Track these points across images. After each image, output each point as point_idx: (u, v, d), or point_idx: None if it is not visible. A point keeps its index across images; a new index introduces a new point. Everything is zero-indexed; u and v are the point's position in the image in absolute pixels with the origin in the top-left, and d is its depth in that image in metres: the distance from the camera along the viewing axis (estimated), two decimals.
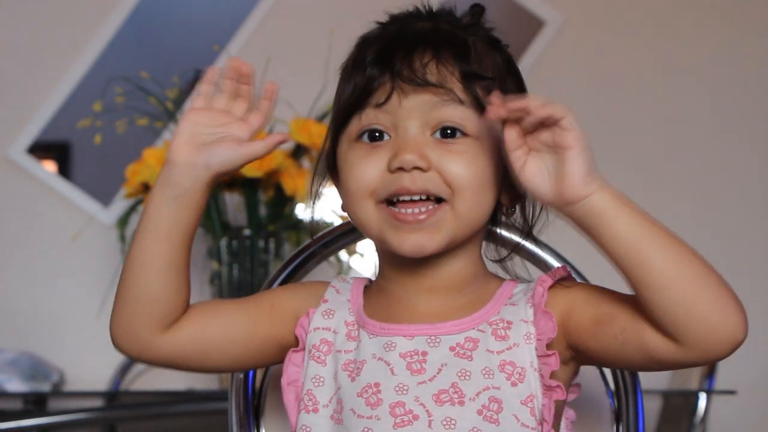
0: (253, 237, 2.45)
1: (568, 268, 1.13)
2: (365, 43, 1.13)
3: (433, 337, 1.07)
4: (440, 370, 1.05)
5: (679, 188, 3.12)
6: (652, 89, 3.15)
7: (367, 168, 1.08)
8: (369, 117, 1.09)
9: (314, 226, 1.26)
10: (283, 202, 2.49)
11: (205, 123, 1.09)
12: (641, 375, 1.29)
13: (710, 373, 2.41)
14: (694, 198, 3.12)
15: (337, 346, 1.10)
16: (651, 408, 2.64)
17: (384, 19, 1.15)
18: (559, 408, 1.08)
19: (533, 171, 1.01)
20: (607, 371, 1.29)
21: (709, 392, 2.40)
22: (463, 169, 1.06)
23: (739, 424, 2.99)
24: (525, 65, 3.08)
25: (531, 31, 3.13)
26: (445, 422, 1.03)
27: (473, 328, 1.07)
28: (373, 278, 1.18)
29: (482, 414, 1.03)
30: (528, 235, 1.17)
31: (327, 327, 1.11)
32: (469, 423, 1.03)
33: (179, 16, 3.15)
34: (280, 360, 1.14)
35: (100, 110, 2.62)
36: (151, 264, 1.08)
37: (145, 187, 2.46)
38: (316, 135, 2.42)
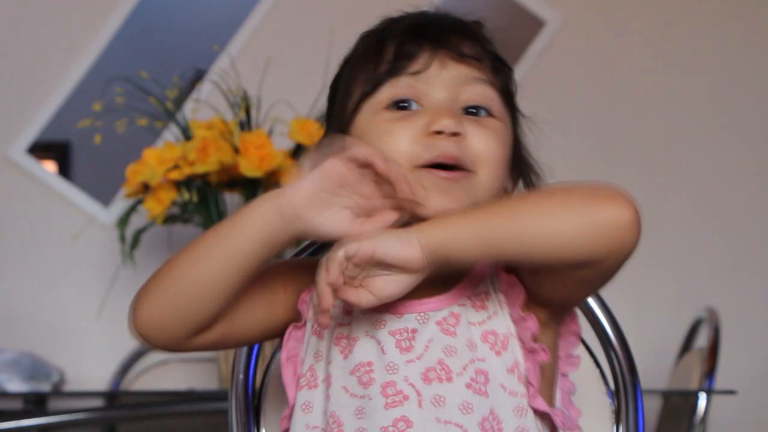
0: None
1: None
2: (380, 31, 1.14)
3: (422, 314, 1.07)
4: (427, 347, 1.05)
5: (679, 186, 3.13)
6: (652, 89, 3.15)
7: (403, 132, 1.08)
8: (404, 85, 1.10)
9: None
10: None
11: (335, 185, 1.03)
12: (641, 375, 1.29)
13: (710, 373, 2.41)
14: (695, 196, 3.12)
15: (334, 319, 1.10)
16: (651, 408, 2.64)
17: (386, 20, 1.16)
18: (549, 372, 1.09)
19: (383, 287, 1.01)
20: (607, 371, 1.29)
21: (709, 392, 2.40)
22: (492, 144, 1.09)
23: (739, 424, 2.99)
24: (525, 65, 3.08)
25: (531, 31, 3.13)
26: (434, 400, 1.04)
27: (455, 303, 1.08)
28: None
29: (471, 387, 1.04)
30: None
31: None
32: (459, 398, 1.04)
33: (179, 16, 3.15)
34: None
35: (100, 110, 2.62)
36: (221, 290, 1.05)
37: (145, 187, 2.46)
38: (316, 135, 2.42)
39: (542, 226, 0.99)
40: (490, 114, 1.10)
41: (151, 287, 1.08)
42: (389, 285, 1.01)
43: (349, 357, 1.07)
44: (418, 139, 1.07)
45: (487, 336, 1.06)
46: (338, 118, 1.14)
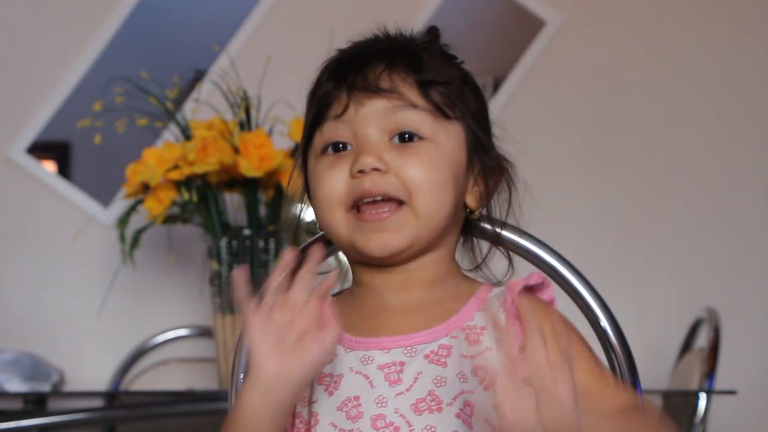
0: (253, 237, 2.45)
1: (544, 275, 1.15)
2: (325, 67, 1.18)
3: (409, 348, 1.09)
4: (416, 379, 1.07)
5: (678, 188, 3.12)
6: (652, 89, 3.15)
7: (333, 178, 1.12)
8: (330, 129, 1.13)
9: (297, 237, 1.28)
10: (283, 202, 2.48)
11: (276, 332, 1.03)
12: (641, 375, 1.29)
13: (710, 373, 2.41)
14: (694, 198, 3.12)
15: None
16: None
17: (379, 28, 1.19)
18: None
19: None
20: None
21: (709, 392, 2.39)
22: (419, 171, 1.10)
23: (739, 424, 2.99)
24: (525, 65, 3.08)
25: (531, 31, 3.13)
26: (425, 430, 1.05)
27: (446, 336, 1.09)
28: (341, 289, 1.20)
29: (460, 417, 1.05)
30: (497, 239, 1.20)
31: None
32: (448, 428, 1.05)
33: (179, 16, 3.15)
34: None
35: (100, 110, 2.62)
36: None
37: (145, 187, 2.46)
38: None
39: None
40: (420, 137, 1.12)
41: None
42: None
43: (335, 393, 1.09)
44: (345, 183, 1.11)
45: (478, 370, 1.07)
46: (303, 158, 1.18)
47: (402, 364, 1.08)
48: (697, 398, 2.40)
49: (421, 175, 1.10)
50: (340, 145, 1.13)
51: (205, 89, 2.78)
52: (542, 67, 3.09)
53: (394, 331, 1.10)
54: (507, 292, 1.11)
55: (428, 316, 1.11)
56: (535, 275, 1.14)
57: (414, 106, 1.11)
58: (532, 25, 3.13)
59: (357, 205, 1.11)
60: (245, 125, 2.47)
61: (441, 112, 1.12)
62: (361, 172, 1.10)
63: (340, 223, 1.12)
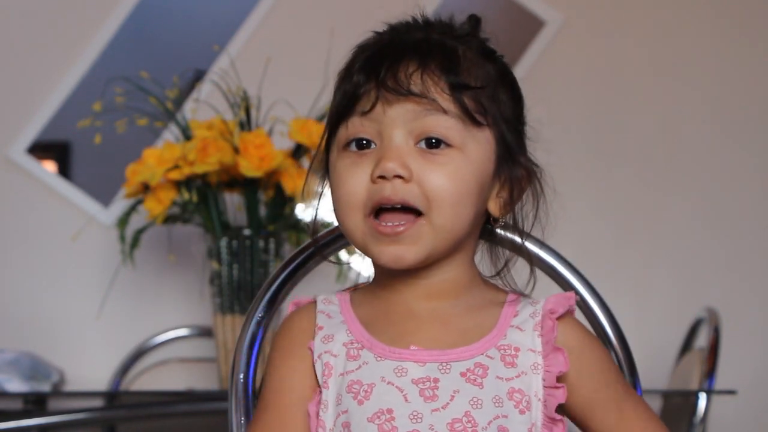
0: (253, 237, 2.45)
1: (576, 297, 1.14)
2: (358, 50, 1.14)
3: (444, 364, 1.07)
4: (453, 397, 1.05)
5: (679, 188, 3.12)
6: (652, 89, 3.15)
7: (354, 179, 1.09)
8: (355, 125, 1.10)
9: (316, 226, 1.26)
10: (283, 202, 2.48)
11: None
12: (641, 375, 1.29)
13: (710, 373, 2.41)
14: (694, 198, 3.12)
15: (339, 369, 1.10)
16: (651, 408, 2.64)
17: (381, 26, 1.16)
18: None
19: None
20: None
21: (709, 392, 2.39)
22: (442, 181, 1.07)
23: (739, 424, 2.99)
24: (525, 65, 3.08)
25: (531, 31, 3.13)
26: None
27: (482, 354, 1.08)
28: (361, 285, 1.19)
29: None
30: (520, 246, 1.18)
31: (327, 350, 1.11)
32: None
33: (179, 16, 3.15)
34: None
35: (100, 110, 2.62)
36: None
37: (145, 187, 2.46)
38: (316, 135, 2.42)
39: None
40: (448, 144, 1.08)
41: None
42: None
43: (365, 403, 1.06)
44: (366, 186, 1.08)
45: (514, 393, 1.06)
46: (327, 141, 1.16)
47: (436, 380, 1.06)
48: (697, 398, 2.40)
49: (444, 186, 1.07)
50: (364, 142, 1.10)
51: (205, 89, 2.78)
52: (542, 67, 3.09)
53: (427, 342, 1.08)
54: (545, 318, 1.09)
55: (462, 331, 1.09)
56: (572, 297, 1.12)
57: (444, 111, 1.08)
58: (532, 25, 3.13)
59: (375, 211, 1.08)
60: (245, 125, 2.47)
61: (471, 118, 1.09)
62: (382, 177, 1.07)
63: (357, 227, 1.09)
